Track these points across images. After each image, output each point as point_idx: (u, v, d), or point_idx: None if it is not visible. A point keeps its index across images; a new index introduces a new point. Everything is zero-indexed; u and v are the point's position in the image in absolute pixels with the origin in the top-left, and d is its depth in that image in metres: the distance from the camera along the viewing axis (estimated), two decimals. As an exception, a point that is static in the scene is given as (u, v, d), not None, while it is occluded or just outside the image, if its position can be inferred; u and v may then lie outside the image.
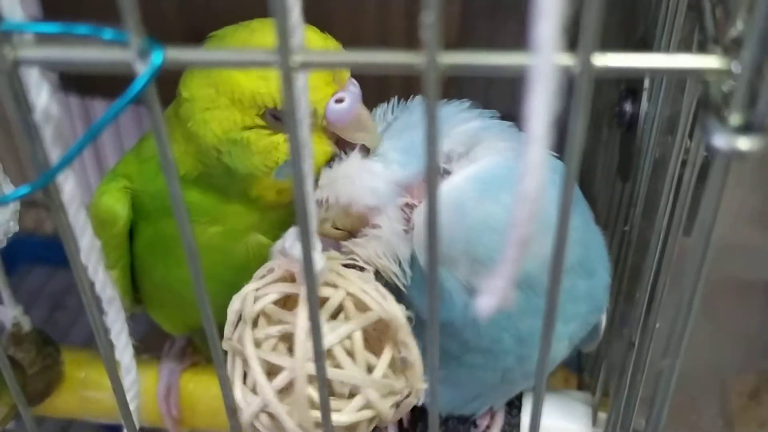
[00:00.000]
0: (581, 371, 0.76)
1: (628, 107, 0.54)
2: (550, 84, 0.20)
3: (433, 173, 0.26)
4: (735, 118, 0.24)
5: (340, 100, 0.45)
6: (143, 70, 0.25)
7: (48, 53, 0.26)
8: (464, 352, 0.48)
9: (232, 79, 0.44)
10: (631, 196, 0.52)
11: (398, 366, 0.38)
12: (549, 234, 0.27)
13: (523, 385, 0.54)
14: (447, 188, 0.44)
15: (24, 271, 1.07)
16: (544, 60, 0.20)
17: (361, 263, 0.40)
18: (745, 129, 0.24)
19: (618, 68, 0.24)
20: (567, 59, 0.23)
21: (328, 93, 0.45)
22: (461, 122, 0.46)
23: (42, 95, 0.27)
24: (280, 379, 0.36)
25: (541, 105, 0.20)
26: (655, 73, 0.31)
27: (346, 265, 0.39)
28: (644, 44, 0.55)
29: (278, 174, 0.47)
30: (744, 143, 0.24)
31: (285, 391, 0.36)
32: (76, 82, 0.98)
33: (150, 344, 0.67)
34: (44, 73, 0.27)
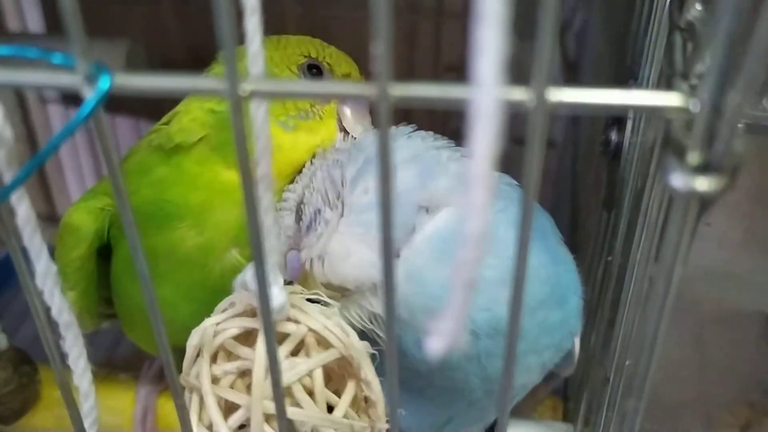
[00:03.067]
0: (568, 400, 0.76)
1: (613, 136, 0.54)
2: (494, 120, 0.19)
3: (387, 209, 0.25)
4: (693, 158, 0.24)
5: None
6: (90, 95, 0.24)
7: (-1, 76, 0.26)
8: (429, 387, 0.47)
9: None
10: (614, 226, 0.51)
11: (361, 405, 0.37)
12: None
13: (496, 411, 0.53)
14: (405, 254, 0.43)
15: (17, 287, 1.07)
16: (486, 95, 0.19)
17: (325, 298, 0.39)
18: (704, 169, 0.24)
19: (573, 104, 0.23)
20: (520, 94, 0.23)
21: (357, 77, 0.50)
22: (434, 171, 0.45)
23: (-5, 117, 0.27)
24: (236, 417, 0.35)
25: (484, 142, 0.19)
26: (612, 110, 0.31)
27: (310, 300, 0.38)
28: (632, 75, 0.54)
29: (282, 124, 0.49)
30: (702, 183, 0.23)
31: (242, 429, 0.35)
32: (76, 95, 0.98)
33: (132, 365, 0.66)
34: (-2, 95, 0.27)
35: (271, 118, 0.47)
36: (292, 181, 0.50)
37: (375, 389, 0.37)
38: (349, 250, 0.44)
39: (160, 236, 0.49)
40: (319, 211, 0.46)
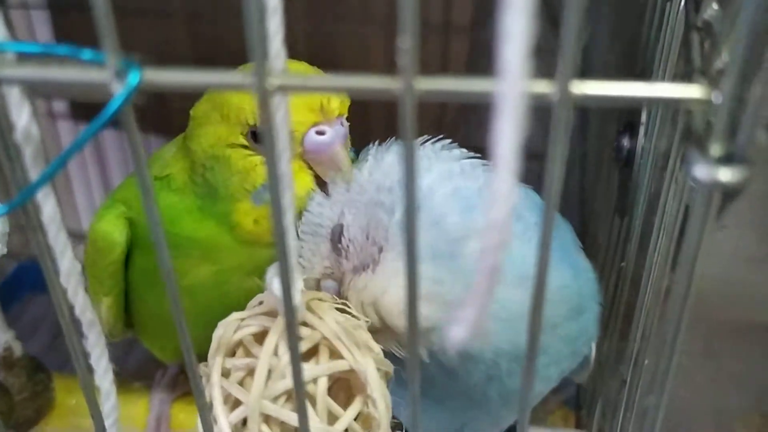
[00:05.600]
0: (580, 409, 0.75)
1: (625, 142, 0.54)
2: (517, 110, 0.20)
3: (412, 214, 0.25)
4: (716, 149, 0.24)
5: (321, 132, 0.45)
6: (120, 91, 0.25)
7: (27, 72, 0.26)
8: (447, 398, 0.47)
9: (225, 94, 0.45)
10: (628, 231, 0.51)
11: (371, 423, 0.37)
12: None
13: (510, 418, 0.53)
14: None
15: (28, 299, 1.07)
16: (510, 85, 0.19)
17: (353, 311, 0.39)
18: (727, 160, 0.24)
19: (597, 96, 0.24)
20: (544, 86, 0.23)
21: (309, 120, 0.45)
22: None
23: (23, 115, 0.27)
24: (237, 413, 0.35)
25: (508, 131, 0.20)
26: (635, 102, 0.31)
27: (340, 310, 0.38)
28: (644, 78, 0.55)
29: (255, 198, 0.47)
30: (725, 174, 0.24)
31: (243, 425, 0.35)
32: (86, 111, 0.99)
33: (144, 373, 0.66)
34: (26, 92, 0.27)
35: (242, 193, 0.47)
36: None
37: (379, 407, 0.36)
38: (395, 289, 0.43)
39: (172, 260, 0.49)
40: (366, 251, 0.45)
